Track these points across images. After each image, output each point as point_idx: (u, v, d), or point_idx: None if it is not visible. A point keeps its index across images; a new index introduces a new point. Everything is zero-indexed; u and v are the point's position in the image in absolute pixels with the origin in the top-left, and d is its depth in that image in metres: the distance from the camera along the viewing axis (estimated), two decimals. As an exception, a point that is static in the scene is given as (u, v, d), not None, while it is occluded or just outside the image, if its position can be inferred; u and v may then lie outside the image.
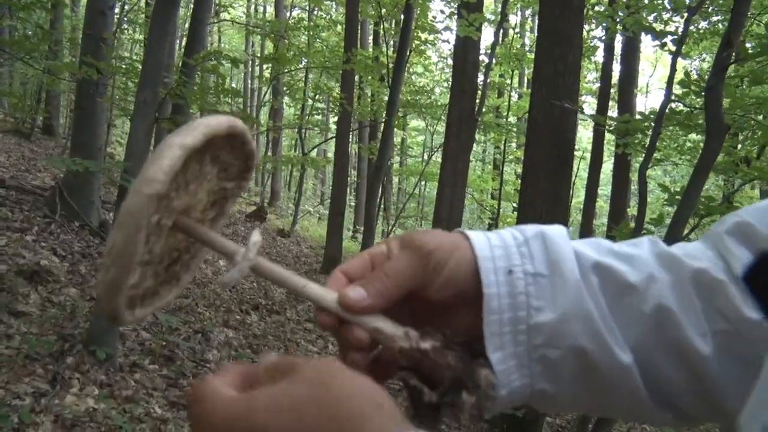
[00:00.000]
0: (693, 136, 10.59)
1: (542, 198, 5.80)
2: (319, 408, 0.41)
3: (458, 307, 0.61)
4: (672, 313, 0.58)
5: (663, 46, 5.76)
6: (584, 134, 23.73)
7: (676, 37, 5.91)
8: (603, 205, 22.28)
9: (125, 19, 14.31)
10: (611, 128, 6.39)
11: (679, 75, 5.70)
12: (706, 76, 5.64)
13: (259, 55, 21.44)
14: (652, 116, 5.65)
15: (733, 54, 4.59)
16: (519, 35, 20.71)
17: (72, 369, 4.23)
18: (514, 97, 20.34)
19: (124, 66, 7.44)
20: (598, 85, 15.89)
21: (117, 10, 10.49)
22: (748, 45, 4.78)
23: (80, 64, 6.59)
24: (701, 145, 11.06)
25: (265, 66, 18.76)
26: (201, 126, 0.56)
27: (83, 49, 6.99)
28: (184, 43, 11.13)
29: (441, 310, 0.61)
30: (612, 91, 15.04)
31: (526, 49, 17.63)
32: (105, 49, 6.89)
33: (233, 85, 26.93)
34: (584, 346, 0.57)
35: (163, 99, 4.50)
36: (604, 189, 21.98)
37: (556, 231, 0.62)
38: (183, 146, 0.54)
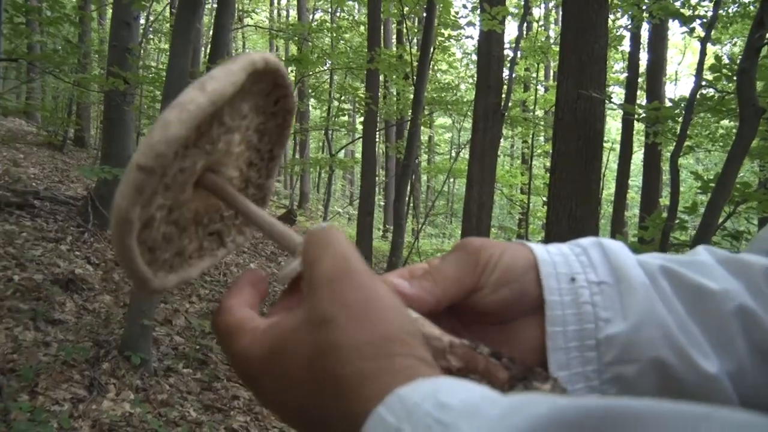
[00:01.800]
0: (725, 122, 10.37)
1: (572, 190, 5.72)
2: (317, 365, 0.40)
3: (516, 318, 0.54)
4: (755, 314, 0.52)
5: (692, 32, 5.63)
6: (613, 125, 23.41)
7: (705, 21, 5.78)
8: (634, 196, 21.95)
9: (150, 28, 14.48)
10: (641, 117, 6.27)
11: (710, 60, 5.57)
12: (738, 60, 5.51)
13: (283, 58, 21.55)
14: (682, 103, 5.53)
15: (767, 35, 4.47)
16: (543, 27, 20.49)
17: (108, 374, 4.28)
18: (541, 90, 20.12)
19: (150, 75, 7.52)
20: (625, 75, 15.65)
21: (142, 21, 10.62)
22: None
23: (107, 75, 6.67)
24: (734, 131, 10.85)
25: (289, 69, 18.82)
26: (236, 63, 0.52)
27: (110, 61, 7.08)
28: (209, 51, 11.23)
29: (497, 323, 0.54)
30: (640, 80, 14.82)
31: (551, 41, 17.42)
32: (131, 60, 6.98)
33: (259, 89, 26.98)
34: (664, 358, 0.50)
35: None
36: (635, 180, 21.64)
37: (612, 241, 0.57)
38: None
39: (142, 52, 13.04)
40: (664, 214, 5.33)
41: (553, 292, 0.52)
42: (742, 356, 0.51)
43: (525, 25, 14.03)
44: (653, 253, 0.58)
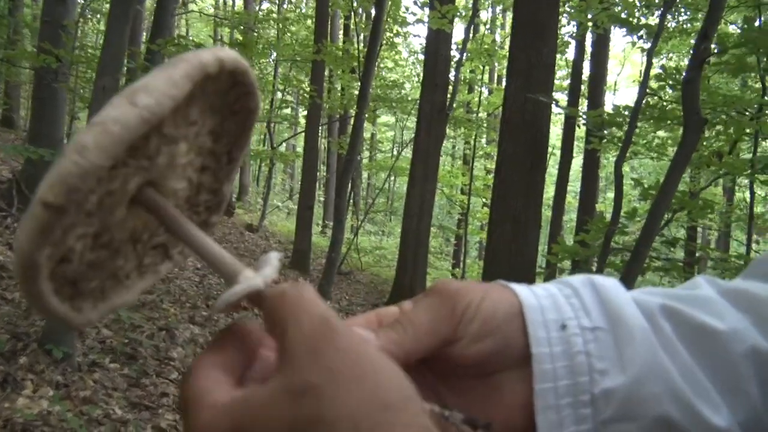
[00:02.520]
0: (661, 133, 10.67)
1: (516, 192, 5.72)
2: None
3: (500, 371, 0.47)
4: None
5: (639, 39, 5.71)
6: (553, 131, 23.83)
7: (648, 32, 5.87)
8: (571, 201, 22.44)
9: (88, 8, 13.92)
10: (587, 122, 6.33)
11: (651, 70, 5.66)
12: (680, 72, 5.62)
13: (227, 47, 21.10)
14: (626, 111, 5.60)
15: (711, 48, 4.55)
16: (490, 31, 20.68)
17: (25, 369, 4.01)
18: (485, 93, 20.32)
19: (85, 55, 7.17)
20: (568, 81, 15.96)
21: (79, -1, 10.16)
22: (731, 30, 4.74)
23: (38, 51, 6.31)
24: (669, 141, 11.19)
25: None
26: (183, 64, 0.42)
27: (41, 37, 6.71)
28: (150, 34, 10.85)
29: (477, 375, 0.47)
30: (582, 87, 15.12)
31: (497, 45, 17.60)
32: (65, 37, 6.62)
33: (201, 78, 26.43)
34: (669, 415, 0.44)
35: (124, 86, 4.29)
36: (572, 185, 22.12)
37: (604, 279, 0.50)
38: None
39: (79, 32, 12.50)
40: (607, 218, 5.38)
41: (541, 343, 0.46)
42: (756, 403, 0.45)
43: (472, 26, 14.10)
44: (649, 288, 0.52)
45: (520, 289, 0.49)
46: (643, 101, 5.28)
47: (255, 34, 15.07)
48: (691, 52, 4.69)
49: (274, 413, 0.35)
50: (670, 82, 5.46)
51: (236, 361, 0.43)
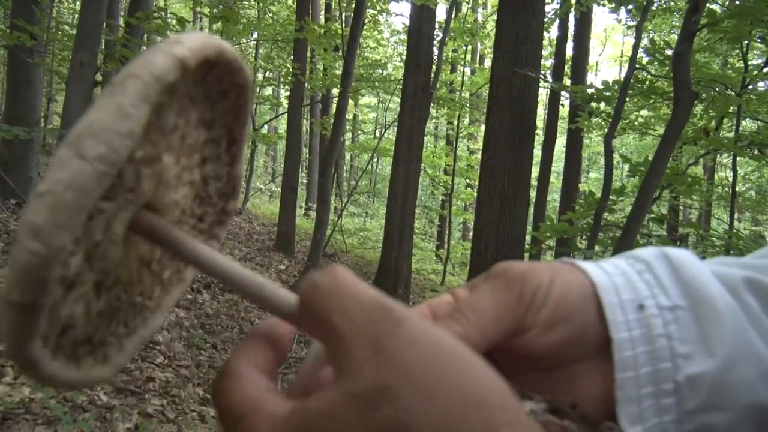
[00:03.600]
0: (644, 112, 10.70)
1: (504, 168, 5.66)
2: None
3: (572, 362, 0.42)
4: None
5: (627, 14, 5.65)
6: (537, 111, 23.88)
7: (636, 5, 5.82)
8: (554, 181, 22.53)
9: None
10: (574, 97, 6.28)
11: (628, 52, 5.61)
12: (670, 46, 5.57)
13: (207, 27, 20.81)
14: (616, 86, 5.55)
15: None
16: (472, 9, 20.55)
17: (4, 356, 3.90)
18: (467, 72, 20.23)
19: (62, 32, 6.97)
20: (551, 61, 15.93)
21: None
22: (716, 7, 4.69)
23: (10, 29, 6.11)
24: (652, 120, 11.21)
25: (214, 27, 18.19)
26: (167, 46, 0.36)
27: (13, 13, 6.49)
28: (128, 7, 10.62)
29: (547, 368, 0.42)
30: (564, 68, 15.10)
31: (479, 25, 17.49)
32: (39, 13, 6.42)
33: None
34: (764, 403, 0.38)
35: (103, 61, 4.14)
36: (555, 165, 22.22)
37: (678, 251, 0.45)
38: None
39: (54, 11, 12.21)
40: (597, 195, 5.35)
41: (620, 328, 0.41)
42: None
43: (455, 5, 13.99)
44: (721, 258, 0.46)
45: (589, 267, 0.44)
46: (632, 76, 5.23)
47: (237, 13, 14.84)
48: (681, 25, 4.64)
49: (343, 420, 0.29)
50: (659, 57, 5.41)
51: (271, 364, 0.37)
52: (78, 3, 16.07)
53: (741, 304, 0.41)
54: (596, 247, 5.21)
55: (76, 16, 18.28)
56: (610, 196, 5.19)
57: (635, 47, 5.30)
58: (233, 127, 0.49)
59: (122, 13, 11.50)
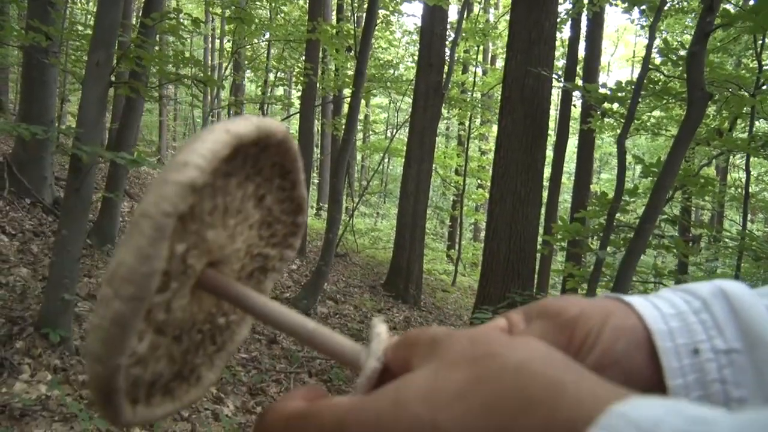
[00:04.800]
0: (656, 113, 10.63)
1: (517, 169, 5.65)
2: (491, 387, 0.29)
3: None
4: None
5: (640, 14, 5.62)
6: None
7: (649, 6, 5.79)
8: (565, 182, 22.44)
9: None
10: (588, 97, 6.26)
11: (640, 53, 5.58)
12: (684, 47, 5.54)
13: (218, 28, 20.85)
14: (630, 86, 5.52)
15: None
16: (483, 10, 20.50)
17: (22, 354, 3.93)
18: (479, 73, 20.18)
19: (76, 32, 7.01)
20: (563, 62, 15.86)
21: (67, -23, 9.95)
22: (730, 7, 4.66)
23: (26, 29, 6.16)
24: (665, 120, 11.13)
25: (226, 39, 18.24)
26: (254, 119, 0.42)
27: (29, 14, 6.56)
28: (142, 6, 10.66)
29: None
30: (577, 68, 15.03)
31: (491, 25, 17.45)
32: (54, 14, 6.47)
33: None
34: None
35: (118, 61, 4.16)
36: (567, 166, 22.14)
37: (736, 287, 0.43)
38: (230, 131, 0.39)
39: (68, 11, 12.29)
40: (610, 195, 5.33)
41: (675, 374, 0.40)
42: None
43: (466, 6, 13.96)
44: None
45: (644, 307, 0.43)
46: (645, 76, 5.20)
47: (251, 14, 14.87)
48: (695, 26, 4.62)
49: (448, 377, 0.31)
50: (673, 57, 5.38)
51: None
52: (92, 3, 16.17)
53: None
54: (608, 248, 5.19)
55: (90, 16, 18.41)
56: (623, 197, 5.17)
57: (648, 48, 5.27)
58: (284, 163, 0.50)
59: (134, 14, 11.56)
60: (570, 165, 21.57)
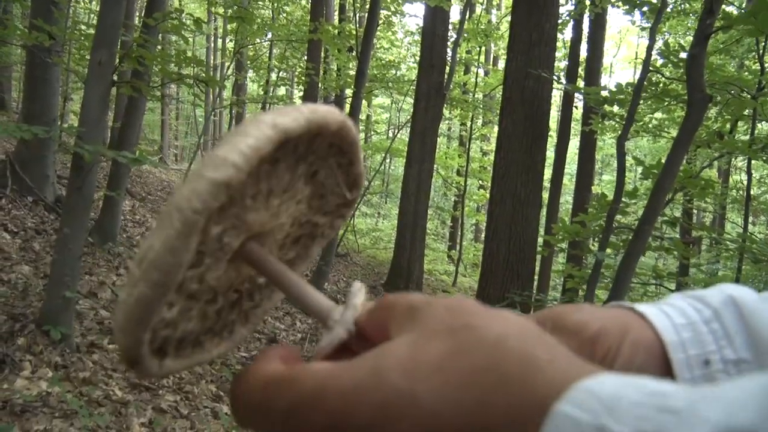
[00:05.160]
0: (658, 114, 10.63)
1: (517, 169, 5.66)
2: (468, 360, 0.30)
3: None
4: None
5: (641, 15, 5.63)
6: (550, 113, 23.74)
7: (650, 8, 5.80)
8: (567, 183, 22.44)
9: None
10: (587, 99, 6.27)
11: (642, 54, 5.59)
12: (684, 49, 5.55)
13: (221, 27, 20.87)
14: (629, 88, 5.53)
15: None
16: (486, 11, 20.51)
17: (23, 350, 3.96)
18: (481, 73, 20.19)
19: (79, 31, 7.04)
20: (565, 63, 15.85)
21: (71, -24, 9.98)
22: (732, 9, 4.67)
23: (29, 29, 6.19)
24: (667, 122, 11.12)
25: (228, 39, 18.26)
26: (305, 110, 0.40)
27: (33, 14, 6.58)
28: (145, 6, 10.68)
29: None
30: (578, 70, 15.03)
31: (492, 26, 17.46)
32: (57, 13, 6.49)
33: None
34: None
35: (120, 60, 4.19)
36: (568, 168, 22.14)
37: (746, 294, 0.45)
38: (276, 126, 0.37)
39: (72, 10, 12.32)
40: (609, 197, 5.34)
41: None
42: None
43: (468, 6, 13.97)
44: None
45: (656, 317, 0.45)
46: (645, 78, 5.21)
47: (252, 14, 14.90)
48: (696, 28, 4.63)
49: (427, 344, 0.32)
50: (674, 59, 5.40)
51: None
52: (95, 3, 16.20)
53: None
54: (608, 250, 5.20)
55: (93, 15, 18.44)
56: (623, 199, 5.18)
57: (649, 50, 5.28)
58: (341, 145, 0.48)
59: (137, 13, 11.60)
60: (571, 166, 21.57)
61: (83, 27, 7.66)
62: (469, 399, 0.29)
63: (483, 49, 19.20)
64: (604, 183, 27.26)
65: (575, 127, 16.22)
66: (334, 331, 0.40)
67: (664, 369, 0.43)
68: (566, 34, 14.99)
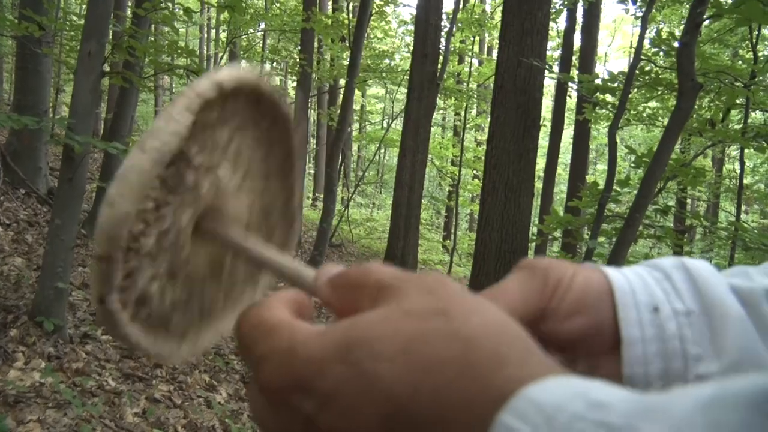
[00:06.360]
0: (652, 103, 10.65)
1: (509, 158, 5.68)
2: (436, 348, 0.30)
3: (593, 357, 0.45)
4: None
5: (633, 4, 5.63)
6: (544, 103, 23.76)
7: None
8: (561, 172, 22.47)
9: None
10: (579, 88, 6.28)
11: (636, 42, 5.60)
12: (675, 38, 5.56)
13: (214, 18, 20.78)
14: (621, 76, 5.54)
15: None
16: (480, 0, 20.45)
17: (16, 342, 3.96)
18: (475, 63, 20.16)
19: (69, 22, 7.00)
20: (559, 52, 15.84)
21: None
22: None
23: (19, 19, 6.15)
24: (660, 111, 11.15)
25: (221, 29, 18.19)
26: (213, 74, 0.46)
27: (22, 4, 6.54)
28: None
29: (571, 357, 0.45)
30: (573, 58, 15.03)
31: (487, 15, 17.41)
32: (47, 4, 6.45)
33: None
34: None
35: (111, 51, 4.17)
36: (562, 157, 22.16)
37: (697, 262, 0.47)
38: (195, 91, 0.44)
39: (62, 1, 12.23)
40: (600, 185, 5.36)
41: (632, 325, 0.44)
42: None
43: (462, -5, 13.97)
44: (747, 267, 0.48)
45: (609, 270, 0.47)
46: (637, 67, 5.22)
47: (243, 5, 14.84)
48: (686, 16, 4.64)
49: (394, 326, 0.32)
50: (664, 48, 5.40)
51: (305, 310, 0.40)
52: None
53: (754, 314, 0.44)
54: (600, 238, 5.22)
55: (83, 6, 18.29)
56: (614, 187, 5.20)
57: (640, 38, 5.29)
58: (287, 147, 0.57)
59: (129, 4, 11.54)
60: (566, 156, 21.60)
61: (74, 18, 7.61)
62: (428, 384, 0.29)
63: (477, 38, 19.18)
64: (598, 172, 27.30)
65: (569, 117, 16.24)
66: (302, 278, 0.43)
67: (614, 312, 0.44)
68: (560, 24, 14.98)
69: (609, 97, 6.22)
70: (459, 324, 0.31)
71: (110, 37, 4.31)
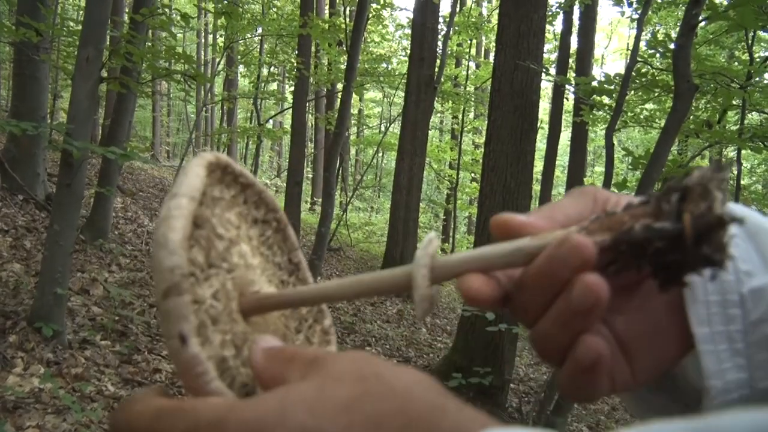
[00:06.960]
0: (649, 105, 10.66)
1: (507, 162, 5.69)
2: (377, 404, 0.31)
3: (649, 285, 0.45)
4: None
5: (629, 7, 5.65)
6: (541, 105, 23.78)
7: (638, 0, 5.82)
8: (559, 175, 22.50)
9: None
10: (576, 90, 6.29)
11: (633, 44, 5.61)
12: (671, 39, 5.58)
13: (211, 23, 20.81)
14: (617, 78, 5.56)
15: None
16: (476, 3, 20.51)
17: (15, 348, 3.96)
18: (472, 66, 20.19)
19: (67, 28, 7.01)
20: (556, 54, 15.87)
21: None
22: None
23: (16, 25, 6.16)
24: (657, 113, 11.17)
25: (219, 34, 18.22)
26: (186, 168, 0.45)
27: (19, 10, 6.55)
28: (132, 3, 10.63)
29: (630, 292, 0.45)
30: (570, 61, 15.05)
31: (484, 19, 17.46)
32: (44, 10, 6.47)
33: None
34: None
35: (108, 57, 4.18)
36: (560, 159, 22.19)
37: (737, 206, 0.48)
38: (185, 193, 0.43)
39: (59, 6, 12.26)
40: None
41: None
42: None
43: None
44: None
45: None
46: (634, 69, 5.24)
47: (240, 10, 14.85)
48: (682, 18, 4.65)
49: (327, 394, 0.32)
50: (660, 50, 5.42)
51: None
52: (83, -1, 16.10)
53: None
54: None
55: (81, 12, 18.33)
56: (612, 189, 5.21)
57: (636, 40, 5.31)
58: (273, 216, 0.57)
59: (126, 9, 11.57)
60: (564, 158, 21.60)
61: (71, 24, 7.62)
62: None
63: (474, 41, 19.21)
64: (596, 174, 27.33)
65: (567, 119, 16.26)
66: (420, 291, 0.42)
67: None
68: (557, 27, 15.00)
69: (606, 100, 6.24)
70: (393, 381, 0.32)
71: (108, 42, 4.32)
